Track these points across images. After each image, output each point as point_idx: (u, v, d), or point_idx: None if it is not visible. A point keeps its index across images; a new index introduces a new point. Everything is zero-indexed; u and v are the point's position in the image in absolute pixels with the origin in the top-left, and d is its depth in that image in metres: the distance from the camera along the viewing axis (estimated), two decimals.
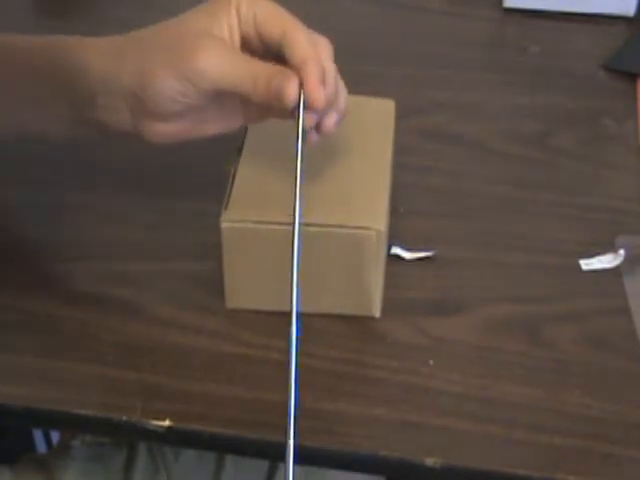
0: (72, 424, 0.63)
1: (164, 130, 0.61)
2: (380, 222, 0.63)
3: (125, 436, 0.73)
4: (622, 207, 0.76)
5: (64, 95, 0.63)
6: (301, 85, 0.57)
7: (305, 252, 0.61)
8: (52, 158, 0.78)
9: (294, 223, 0.56)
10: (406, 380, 0.63)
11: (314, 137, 0.60)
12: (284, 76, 0.57)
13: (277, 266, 0.58)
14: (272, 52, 0.59)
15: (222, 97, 0.60)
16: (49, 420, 0.64)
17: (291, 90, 0.57)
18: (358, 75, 0.86)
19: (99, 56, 0.61)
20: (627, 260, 0.70)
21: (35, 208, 0.75)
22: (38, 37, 0.65)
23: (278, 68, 0.58)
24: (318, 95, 0.57)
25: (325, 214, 0.63)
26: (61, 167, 0.77)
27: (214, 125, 0.62)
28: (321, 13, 0.96)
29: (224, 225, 0.63)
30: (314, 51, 0.58)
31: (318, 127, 0.60)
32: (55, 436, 1.14)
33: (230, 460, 0.82)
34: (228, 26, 0.59)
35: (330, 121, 0.60)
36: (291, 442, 0.52)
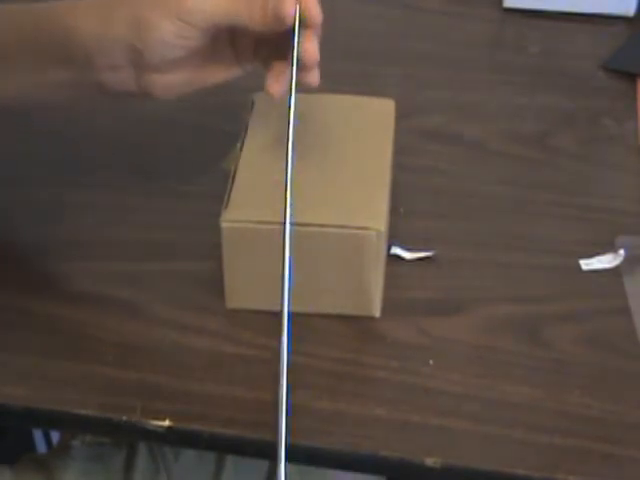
0: (72, 424, 0.63)
1: (167, 81, 0.62)
2: (380, 222, 0.63)
3: (125, 436, 0.73)
4: (622, 207, 0.76)
5: (61, 59, 0.62)
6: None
7: (305, 252, 0.61)
8: (52, 157, 0.78)
9: (286, 192, 0.57)
10: (406, 380, 0.63)
11: (315, 76, 0.61)
12: None
13: (277, 266, 0.58)
14: None
15: (219, 39, 0.61)
16: (49, 420, 0.64)
17: (288, 6, 0.58)
18: (358, 75, 0.86)
19: (89, 17, 0.61)
20: (627, 260, 0.70)
21: (35, 208, 0.75)
22: (28, 5, 0.65)
23: None
24: (316, 10, 0.59)
25: (325, 214, 0.63)
26: (61, 166, 0.77)
27: (216, 72, 0.63)
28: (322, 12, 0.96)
29: (224, 225, 0.63)
30: None
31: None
32: (55, 436, 1.14)
33: (230, 460, 0.82)
34: None
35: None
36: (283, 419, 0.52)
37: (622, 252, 0.70)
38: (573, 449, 0.59)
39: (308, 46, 0.60)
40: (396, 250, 0.70)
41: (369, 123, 0.71)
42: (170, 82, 0.62)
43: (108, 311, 0.67)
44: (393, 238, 0.70)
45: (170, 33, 0.58)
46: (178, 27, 0.58)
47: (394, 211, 0.71)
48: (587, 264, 0.70)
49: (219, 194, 0.65)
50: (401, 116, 0.73)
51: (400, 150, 0.72)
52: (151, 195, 0.75)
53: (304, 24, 0.59)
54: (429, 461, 0.58)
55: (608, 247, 0.71)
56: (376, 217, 0.64)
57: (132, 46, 0.59)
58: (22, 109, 0.68)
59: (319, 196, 0.64)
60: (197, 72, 0.62)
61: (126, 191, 0.75)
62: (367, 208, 0.64)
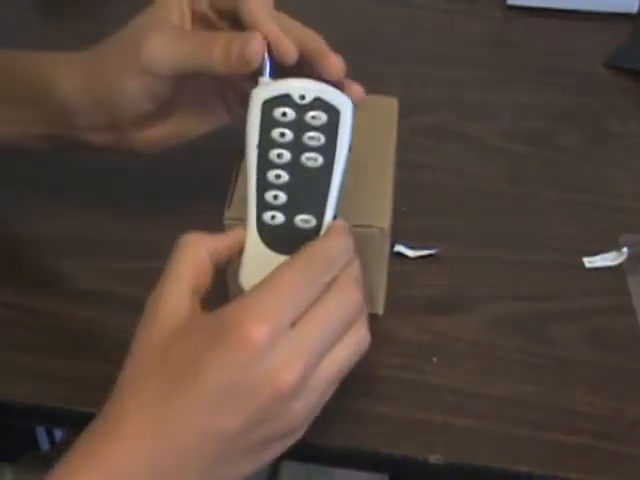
0: (75, 422, 0.63)
1: (148, 137, 0.61)
2: (383, 220, 0.63)
3: None
4: (625, 205, 0.76)
5: (42, 117, 0.63)
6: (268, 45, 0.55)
7: None
8: (53, 157, 0.78)
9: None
10: (409, 377, 0.63)
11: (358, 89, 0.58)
12: (244, 37, 0.55)
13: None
14: (229, 22, 0.59)
15: (197, 89, 0.60)
16: (52, 418, 0.64)
17: (253, 47, 0.54)
18: (360, 73, 0.86)
19: (70, 79, 0.61)
20: (630, 258, 0.70)
21: (37, 206, 0.75)
22: (20, 53, 0.65)
23: (234, 33, 0.56)
24: (288, 46, 0.55)
25: None
26: (62, 166, 0.77)
27: (201, 122, 0.62)
28: (323, 11, 0.96)
29: (227, 223, 0.63)
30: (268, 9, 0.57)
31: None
32: (58, 434, 1.14)
33: None
34: (178, 7, 0.58)
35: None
36: None
37: (625, 250, 0.70)
38: (576, 446, 0.59)
39: (330, 61, 0.56)
40: (399, 248, 0.70)
41: (372, 121, 0.71)
42: (152, 137, 0.61)
43: (111, 309, 0.67)
44: (396, 236, 0.70)
45: (135, 89, 0.58)
46: (142, 81, 0.58)
47: (397, 209, 0.70)
48: (590, 262, 0.70)
49: (220, 193, 0.64)
50: (404, 114, 0.73)
51: (403, 148, 0.72)
52: (152, 194, 0.75)
53: (306, 57, 0.56)
54: (432, 458, 0.58)
55: (611, 245, 0.71)
56: (379, 215, 0.63)
57: (106, 107, 0.60)
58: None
59: None
60: (181, 124, 0.62)
61: (127, 189, 0.75)
62: (370, 206, 0.64)
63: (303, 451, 0.59)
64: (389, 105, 0.73)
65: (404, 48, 0.92)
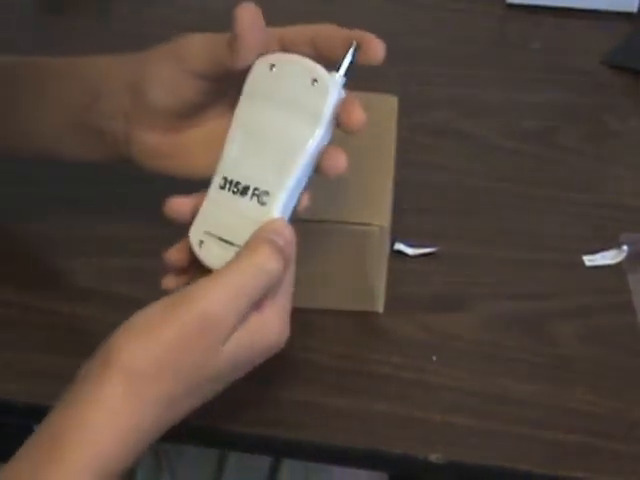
0: None
1: (153, 144, 0.61)
2: (383, 218, 0.63)
3: None
4: (625, 203, 0.76)
5: (63, 97, 0.63)
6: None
7: (308, 248, 0.61)
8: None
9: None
10: (409, 376, 0.63)
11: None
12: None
13: None
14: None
15: (214, 131, 0.60)
16: None
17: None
18: (360, 71, 0.86)
19: (105, 60, 0.63)
20: (630, 256, 0.70)
21: (36, 204, 0.75)
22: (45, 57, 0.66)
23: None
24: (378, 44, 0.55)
25: (328, 210, 0.63)
26: (62, 164, 0.77)
27: (203, 162, 0.61)
28: (323, 10, 0.96)
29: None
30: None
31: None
32: None
33: (233, 458, 0.82)
34: None
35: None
36: None
37: (625, 248, 0.70)
38: (576, 445, 0.59)
39: (352, 107, 0.55)
40: (399, 246, 0.70)
41: (372, 120, 0.70)
42: (155, 145, 0.61)
43: (109, 307, 0.67)
44: (396, 234, 0.70)
45: (165, 78, 0.58)
46: (174, 72, 0.58)
47: (397, 207, 0.70)
48: (590, 260, 0.70)
49: None
50: (404, 112, 0.73)
51: (403, 146, 0.72)
52: (152, 193, 0.75)
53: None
54: (432, 457, 0.58)
55: (611, 243, 0.71)
56: (379, 213, 0.63)
57: (131, 93, 0.60)
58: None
59: (322, 192, 0.64)
60: (185, 156, 0.61)
61: (127, 188, 0.75)
62: (370, 204, 0.64)
63: (303, 449, 0.59)
64: (389, 103, 0.73)
65: (404, 46, 0.92)
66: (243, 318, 0.51)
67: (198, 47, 0.57)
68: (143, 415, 0.50)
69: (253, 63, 0.55)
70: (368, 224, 0.62)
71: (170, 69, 0.58)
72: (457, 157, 0.80)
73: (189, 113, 0.60)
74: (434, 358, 0.64)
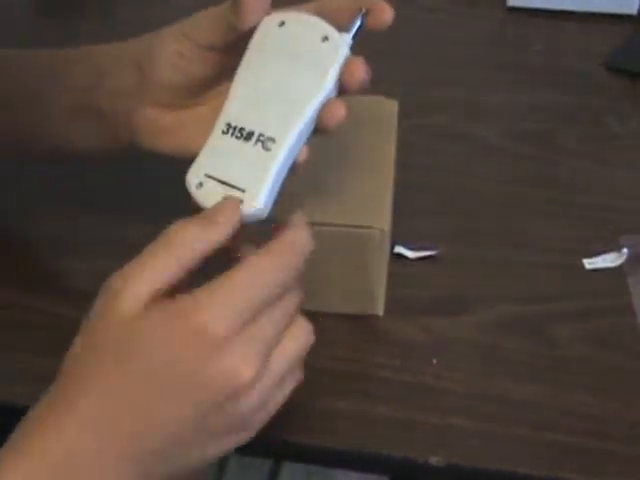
0: None
1: (157, 120, 0.61)
2: (383, 221, 0.63)
3: None
4: (625, 206, 0.76)
5: (76, 81, 0.64)
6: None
7: None
8: (53, 156, 0.78)
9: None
10: (410, 379, 0.63)
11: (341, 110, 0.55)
12: None
13: None
14: None
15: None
16: None
17: None
18: None
19: (113, 45, 0.63)
20: (630, 259, 0.70)
21: (36, 206, 0.75)
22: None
23: None
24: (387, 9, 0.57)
25: (328, 213, 0.63)
26: (61, 164, 0.77)
27: (204, 140, 0.60)
28: None
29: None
30: None
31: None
32: None
33: (233, 460, 0.82)
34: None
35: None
36: None
37: (625, 251, 0.70)
38: (576, 447, 0.59)
39: (356, 66, 0.56)
40: (399, 249, 0.70)
41: (372, 122, 0.71)
42: (158, 125, 0.61)
43: None
44: (396, 237, 0.70)
45: (172, 52, 0.58)
46: (181, 46, 0.58)
47: (397, 210, 0.70)
48: (590, 263, 0.70)
49: None
50: (404, 115, 0.73)
51: (403, 149, 0.72)
52: (152, 192, 0.75)
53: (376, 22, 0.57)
54: (433, 460, 0.58)
55: (612, 246, 0.71)
56: (380, 216, 0.63)
57: (137, 69, 0.60)
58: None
59: (322, 195, 0.64)
60: (190, 133, 0.61)
61: (128, 188, 0.75)
62: (370, 207, 0.64)
63: (304, 452, 0.59)
64: (389, 106, 0.73)
65: (405, 49, 0.92)
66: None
67: (203, 19, 0.58)
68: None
69: (261, 20, 0.55)
70: (368, 227, 0.62)
71: (177, 44, 0.58)
72: (457, 159, 0.80)
73: (194, 89, 0.60)
74: (434, 361, 0.64)
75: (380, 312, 0.66)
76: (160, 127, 0.61)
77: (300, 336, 0.51)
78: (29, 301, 0.67)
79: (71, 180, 0.76)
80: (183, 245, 0.50)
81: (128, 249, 0.71)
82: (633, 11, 0.96)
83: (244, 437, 0.50)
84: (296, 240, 0.51)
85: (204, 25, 0.58)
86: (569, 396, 0.62)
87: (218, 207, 0.52)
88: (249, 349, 0.47)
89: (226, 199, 0.52)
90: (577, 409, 0.61)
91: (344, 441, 0.59)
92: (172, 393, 0.47)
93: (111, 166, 0.78)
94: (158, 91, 0.60)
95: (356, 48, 0.86)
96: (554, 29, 0.95)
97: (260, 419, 0.50)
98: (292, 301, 0.50)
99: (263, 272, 0.49)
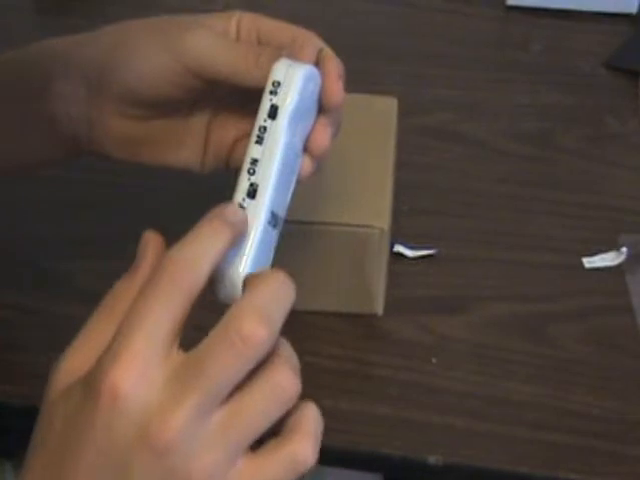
0: None
1: (124, 132, 0.56)
2: (383, 220, 0.63)
3: None
4: (625, 205, 0.76)
5: (16, 88, 0.59)
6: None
7: (308, 250, 0.61)
8: None
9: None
10: (409, 378, 0.63)
11: (310, 165, 0.51)
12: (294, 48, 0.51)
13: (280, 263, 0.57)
14: None
15: (187, 122, 0.57)
16: None
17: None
18: (360, 73, 0.86)
19: (65, 41, 0.58)
20: (630, 258, 0.70)
21: (36, 206, 0.75)
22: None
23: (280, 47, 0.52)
24: (338, 89, 0.50)
25: (328, 212, 0.63)
26: (62, 165, 0.77)
27: (171, 152, 0.57)
28: (323, 11, 0.96)
29: None
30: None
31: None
32: None
33: None
34: (227, 23, 0.55)
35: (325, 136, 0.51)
36: None
37: (625, 250, 0.70)
38: (576, 447, 0.59)
39: (319, 135, 0.51)
40: (399, 248, 0.70)
41: (372, 121, 0.71)
42: (122, 135, 0.56)
43: None
44: (396, 236, 0.70)
45: (156, 67, 0.53)
46: (168, 65, 0.53)
47: (397, 209, 0.70)
48: (590, 262, 0.70)
49: (221, 192, 0.64)
50: (404, 114, 0.73)
51: (403, 148, 0.72)
52: (153, 192, 0.75)
53: (323, 102, 0.50)
54: (431, 459, 0.58)
55: (611, 245, 0.71)
56: (379, 215, 0.63)
57: (105, 64, 0.55)
58: None
59: (322, 194, 0.64)
60: (155, 144, 0.57)
61: (128, 188, 0.75)
62: (370, 206, 0.64)
63: None
64: (388, 105, 0.73)
65: (404, 48, 0.92)
66: None
67: (202, 48, 0.53)
68: None
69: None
70: (368, 226, 0.62)
71: (163, 60, 0.53)
72: (457, 159, 0.80)
73: (166, 105, 0.55)
74: (434, 360, 0.64)
75: (379, 311, 0.66)
76: (128, 138, 0.57)
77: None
78: (29, 301, 0.67)
79: (71, 180, 0.76)
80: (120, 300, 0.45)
81: (127, 251, 0.71)
82: (633, 10, 0.96)
83: None
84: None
85: (199, 53, 0.53)
86: (568, 396, 0.62)
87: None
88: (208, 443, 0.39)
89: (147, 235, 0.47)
90: (576, 408, 0.61)
91: (343, 440, 0.59)
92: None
93: (111, 165, 0.78)
94: (120, 105, 0.55)
95: (355, 48, 0.87)
96: (553, 28, 0.95)
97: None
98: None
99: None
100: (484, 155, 0.80)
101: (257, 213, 0.46)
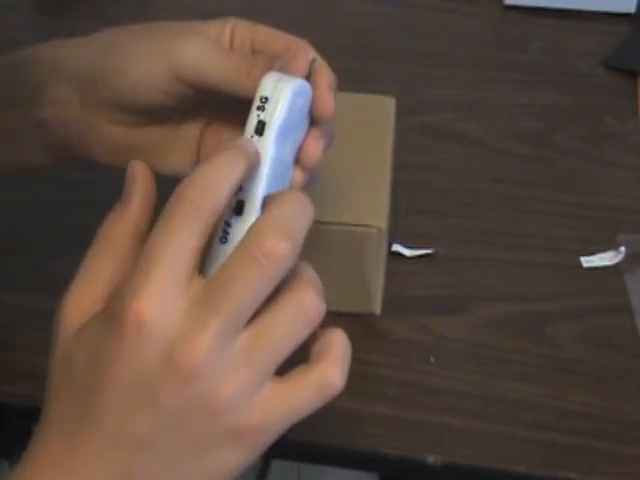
0: None
1: (111, 135, 0.56)
2: (381, 220, 0.63)
3: None
4: (623, 205, 0.76)
5: (8, 93, 0.59)
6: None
7: (306, 249, 0.61)
8: None
9: None
10: (407, 378, 0.63)
11: (301, 177, 0.51)
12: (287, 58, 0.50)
13: None
14: None
15: (178, 129, 0.56)
16: None
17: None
18: (359, 72, 0.86)
19: (55, 46, 0.57)
20: (628, 257, 0.70)
21: (36, 205, 0.75)
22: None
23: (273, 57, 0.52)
24: (330, 101, 0.49)
25: (326, 211, 0.63)
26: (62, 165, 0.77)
27: (166, 159, 0.57)
28: (322, 11, 0.96)
29: None
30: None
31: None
32: None
33: None
34: (220, 30, 0.55)
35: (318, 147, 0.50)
36: None
37: (623, 249, 0.70)
38: (574, 447, 0.59)
39: (310, 148, 0.50)
40: (397, 247, 0.70)
41: (370, 121, 0.71)
42: (114, 142, 0.56)
43: None
44: (394, 235, 0.70)
45: (147, 75, 0.53)
46: (159, 73, 0.53)
47: (395, 208, 0.70)
48: (588, 261, 0.70)
49: None
50: (402, 114, 0.73)
51: (400, 148, 0.72)
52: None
53: (315, 115, 0.50)
54: (430, 459, 0.58)
55: (609, 244, 0.71)
56: (377, 214, 0.64)
57: (96, 70, 0.54)
58: None
59: (320, 194, 0.64)
60: (146, 150, 0.56)
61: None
62: (368, 205, 0.64)
63: (300, 450, 0.59)
64: (387, 105, 0.73)
65: (402, 48, 0.92)
66: None
67: (195, 57, 0.53)
68: None
69: None
70: (366, 225, 0.62)
71: (154, 68, 0.53)
72: (455, 158, 0.80)
73: (158, 112, 0.55)
74: (432, 359, 0.64)
75: (377, 310, 0.66)
76: (120, 144, 0.56)
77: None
78: (29, 301, 0.67)
79: (71, 180, 0.76)
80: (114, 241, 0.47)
81: None
82: (631, 10, 0.96)
83: (249, 446, 0.42)
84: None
85: (192, 61, 0.52)
86: (567, 395, 0.62)
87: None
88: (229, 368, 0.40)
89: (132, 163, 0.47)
90: (575, 408, 0.61)
91: (341, 439, 0.59)
92: (128, 408, 0.40)
93: (110, 168, 0.78)
94: (111, 111, 0.55)
95: (354, 47, 0.87)
96: (552, 28, 0.95)
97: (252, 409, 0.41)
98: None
99: None
100: (482, 155, 0.80)
101: (245, 229, 0.45)
